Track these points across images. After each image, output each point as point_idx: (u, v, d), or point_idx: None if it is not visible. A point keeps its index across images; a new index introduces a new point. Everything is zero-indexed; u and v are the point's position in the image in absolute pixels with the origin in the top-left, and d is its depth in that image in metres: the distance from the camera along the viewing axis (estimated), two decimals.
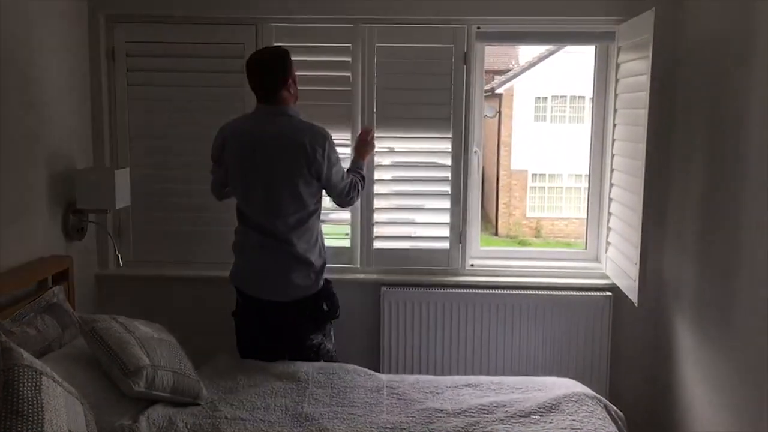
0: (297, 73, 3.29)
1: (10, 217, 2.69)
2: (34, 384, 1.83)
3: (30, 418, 1.74)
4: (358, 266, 3.44)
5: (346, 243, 3.45)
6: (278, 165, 2.79)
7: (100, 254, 3.43)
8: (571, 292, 3.37)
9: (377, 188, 3.39)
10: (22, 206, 2.77)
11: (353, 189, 2.99)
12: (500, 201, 13.47)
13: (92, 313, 3.14)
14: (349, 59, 3.30)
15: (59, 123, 3.05)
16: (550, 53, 12.75)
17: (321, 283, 2.92)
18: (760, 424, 2.37)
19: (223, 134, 2.90)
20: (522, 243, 12.60)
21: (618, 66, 3.21)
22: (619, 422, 2.53)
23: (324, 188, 2.91)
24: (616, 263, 3.20)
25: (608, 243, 3.36)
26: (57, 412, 1.83)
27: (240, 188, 2.89)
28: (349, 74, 3.31)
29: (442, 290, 3.38)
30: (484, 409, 2.46)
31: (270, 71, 2.81)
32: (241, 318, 3.00)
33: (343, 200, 2.98)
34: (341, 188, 2.93)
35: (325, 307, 2.92)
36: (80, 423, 1.95)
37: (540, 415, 2.42)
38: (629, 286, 2.99)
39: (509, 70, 13.80)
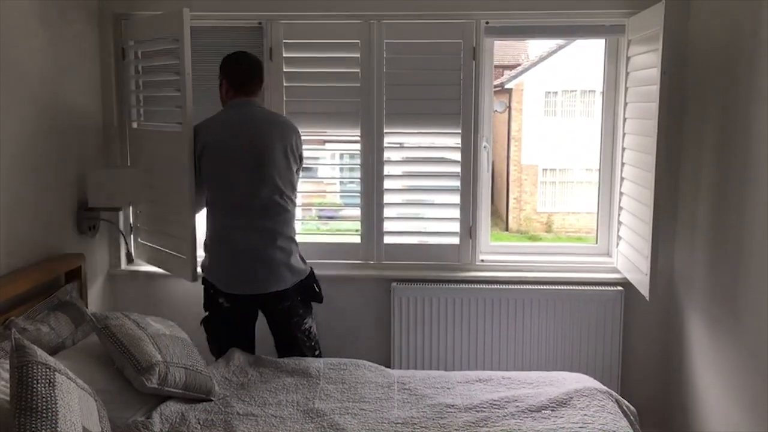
0: (306, 70, 3.32)
1: (22, 215, 2.71)
2: (47, 381, 1.84)
3: (44, 415, 1.76)
4: (369, 262, 3.45)
5: (357, 239, 3.45)
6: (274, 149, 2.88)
7: (112, 252, 3.45)
8: (582, 287, 3.36)
9: (387, 184, 3.40)
10: (34, 205, 2.80)
11: None
12: (511, 196, 13.41)
13: (105, 310, 3.17)
14: (358, 55, 3.30)
15: (70, 122, 3.07)
16: (560, 47, 12.67)
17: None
18: None
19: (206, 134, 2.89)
20: (533, 238, 12.55)
21: (628, 59, 3.19)
22: (631, 416, 2.52)
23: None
24: (628, 258, 3.19)
25: (619, 237, 3.35)
26: (71, 408, 1.85)
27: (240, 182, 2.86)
28: (358, 70, 3.31)
29: (453, 286, 3.38)
30: (495, 404, 2.46)
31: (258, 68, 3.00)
32: (225, 321, 2.95)
33: None
34: None
35: (316, 288, 2.99)
36: (94, 419, 1.96)
37: (551, 410, 2.41)
38: (640, 280, 2.98)
39: (519, 65, 13.74)
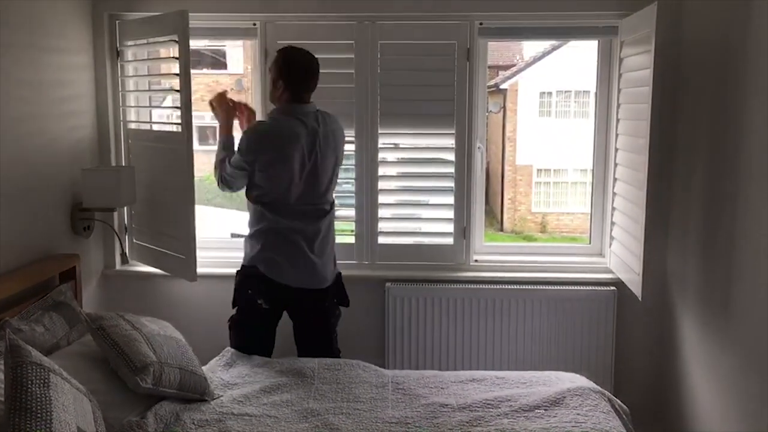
0: None
1: (17, 215, 2.71)
2: (42, 381, 1.85)
3: (38, 415, 1.76)
4: (363, 262, 3.46)
5: (351, 239, 3.46)
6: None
7: (107, 252, 3.45)
8: (576, 287, 3.37)
9: (381, 184, 3.41)
10: (29, 205, 2.79)
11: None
12: (505, 196, 13.44)
13: (99, 310, 3.17)
14: (353, 56, 3.31)
15: (65, 122, 3.07)
16: (555, 48, 12.70)
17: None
18: (764, 417, 2.37)
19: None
20: (527, 238, 12.59)
21: (621, 61, 3.21)
22: (624, 416, 2.54)
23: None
24: (620, 257, 3.21)
25: (612, 238, 3.37)
26: (65, 408, 1.85)
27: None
28: (353, 71, 3.32)
29: (447, 286, 3.39)
30: (489, 404, 2.47)
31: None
32: (258, 323, 2.97)
33: None
34: None
35: (346, 291, 3.06)
36: (88, 419, 1.97)
37: (544, 410, 2.43)
38: (633, 280, 3.00)
39: (514, 66, 13.77)
